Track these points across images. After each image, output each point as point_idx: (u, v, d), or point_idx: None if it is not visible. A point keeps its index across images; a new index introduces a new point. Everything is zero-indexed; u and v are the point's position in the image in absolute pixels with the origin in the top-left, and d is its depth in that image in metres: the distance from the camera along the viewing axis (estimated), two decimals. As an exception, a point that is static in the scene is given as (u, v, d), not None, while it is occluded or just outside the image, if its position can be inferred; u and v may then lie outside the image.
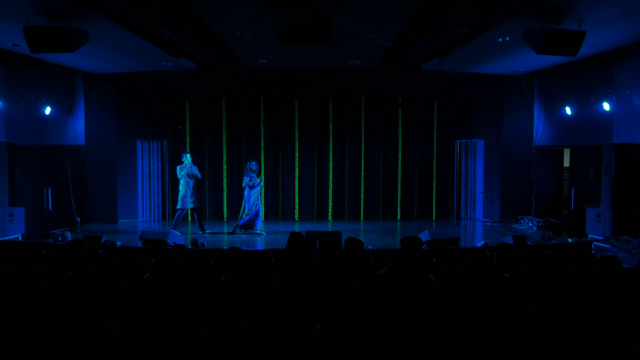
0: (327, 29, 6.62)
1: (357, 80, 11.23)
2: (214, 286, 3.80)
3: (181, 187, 9.47)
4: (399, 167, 11.71)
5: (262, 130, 11.46)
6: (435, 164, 11.70)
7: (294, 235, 4.85)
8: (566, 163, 11.19)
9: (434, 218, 11.70)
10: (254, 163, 9.40)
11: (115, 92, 10.87)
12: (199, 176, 9.55)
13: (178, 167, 9.55)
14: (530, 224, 10.09)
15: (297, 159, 11.52)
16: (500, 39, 7.63)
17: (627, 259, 6.00)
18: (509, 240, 7.11)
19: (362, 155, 11.61)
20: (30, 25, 6.39)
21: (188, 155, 9.53)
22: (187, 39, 8.07)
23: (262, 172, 11.18)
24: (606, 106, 9.02)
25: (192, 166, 9.42)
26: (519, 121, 11.07)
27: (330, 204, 11.63)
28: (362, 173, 11.63)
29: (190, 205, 9.46)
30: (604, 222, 8.39)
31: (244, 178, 9.32)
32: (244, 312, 2.73)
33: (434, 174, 11.72)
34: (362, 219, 11.58)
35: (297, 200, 11.53)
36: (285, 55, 9.28)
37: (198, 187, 9.60)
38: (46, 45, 6.40)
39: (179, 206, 9.55)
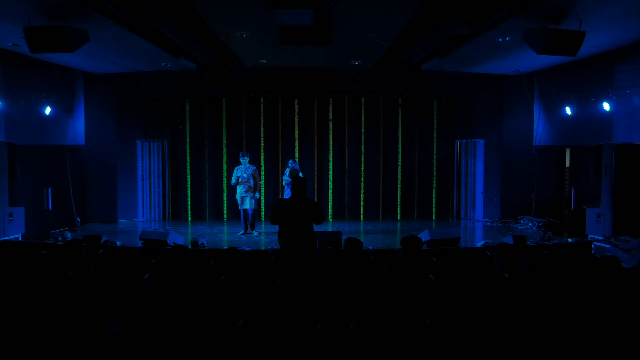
0: (327, 29, 6.62)
1: (357, 80, 11.23)
2: (214, 286, 3.80)
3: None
4: (399, 167, 11.70)
5: (262, 130, 11.45)
6: (435, 164, 11.69)
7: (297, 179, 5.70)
8: (567, 163, 11.19)
9: (434, 218, 11.69)
10: (290, 161, 9.65)
11: (115, 92, 10.87)
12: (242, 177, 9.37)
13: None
14: (530, 224, 10.09)
15: (296, 159, 11.52)
16: (500, 39, 7.63)
17: (627, 259, 6.00)
18: (509, 240, 7.11)
19: (362, 155, 11.60)
20: (30, 25, 6.38)
21: (240, 157, 9.44)
22: (187, 39, 8.07)
23: (262, 172, 11.19)
24: (606, 106, 9.01)
25: (247, 167, 9.35)
26: (519, 121, 11.07)
27: (330, 204, 11.63)
28: (362, 173, 11.63)
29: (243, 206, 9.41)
30: (604, 222, 8.39)
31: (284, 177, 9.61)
32: (244, 312, 2.73)
33: (434, 174, 11.71)
34: (362, 219, 11.58)
35: (297, 200, 11.52)
36: (285, 55, 9.28)
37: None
38: (46, 45, 6.40)
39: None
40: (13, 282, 3.51)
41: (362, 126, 11.57)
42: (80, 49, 6.65)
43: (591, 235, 8.56)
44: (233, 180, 9.39)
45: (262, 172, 11.20)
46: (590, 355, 2.51)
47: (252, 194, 9.34)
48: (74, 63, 9.62)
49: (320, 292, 3.58)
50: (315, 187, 11.56)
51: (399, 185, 11.74)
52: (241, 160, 9.38)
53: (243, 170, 9.33)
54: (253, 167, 9.48)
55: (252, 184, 9.31)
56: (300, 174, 9.62)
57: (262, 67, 10.35)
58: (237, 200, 9.44)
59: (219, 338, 2.53)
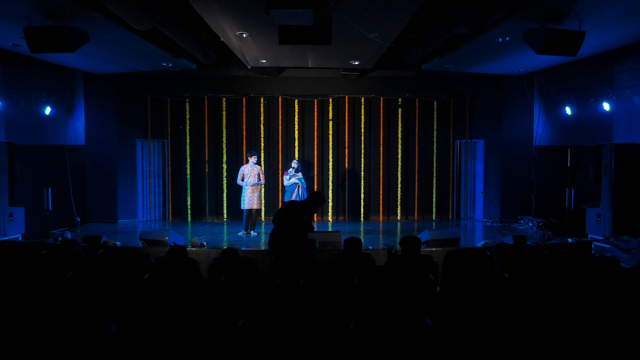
0: (327, 29, 6.61)
1: (357, 80, 11.24)
2: (213, 286, 3.80)
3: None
4: (399, 167, 11.71)
5: (262, 130, 11.47)
6: (435, 164, 11.70)
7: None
8: (567, 163, 11.16)
9: (434, 218, 11.70)
10: (293, 161, 9.68)
11: (116, 92, 10.88)
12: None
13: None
14: (530, 224, 10.08)
15: (297, 159, 11.52)
16: (500, 39, 7.63)
17: (627, 259, 5.99)
18: (509, 240, 7.11)
19: (362, 155, 11.61)
20: (30, 25, 6.38)
21: (248, 156, 9.51)
22: (187, 39, 8.07)
23: (264, 172, 11.19)
24: (606, 106, 9.01)
25: (252, 167, 9.37)
26: (519, 121, 11.07)
27: (330, 204, 11.63)
28: (362, 173, 11.64)
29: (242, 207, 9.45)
30: (604, 222, 8.38)
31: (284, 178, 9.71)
32: (244, 312, 2.73)
33: (434, 174, 11.72)
34: (362, 219, 11.58)
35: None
36: (285, 55, 9.27)
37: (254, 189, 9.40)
38: (46, 45, 6.39)
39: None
40: (13, 282, 3.51)
41: (362, 126, 11.58)
42: (80, 49, 6.64)
43: (591, 235, 8.55)
44: (239, 179, 9.40)
45: (263, 172, 11.20)
46: (590, 355, 2.51)
47: (258, 193, 9.35)
48: (74, 63, 9.62)
49: (320, 292, 3.58)
50: (316, 187, 11.56)
51: (399, 185, 11.74)
52: (249, 159, 9.38)
53: (249, 170, 9.32)
54: (259, 167, 9.49)
55: (258, 182, 9.35)
56: (301, 175, 9.64)
57: (262, 67, 10.35)
58: (240, 200, 9.42)
59: (218, 338, 2.53)
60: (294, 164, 9.59)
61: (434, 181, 11.73)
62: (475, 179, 11.62)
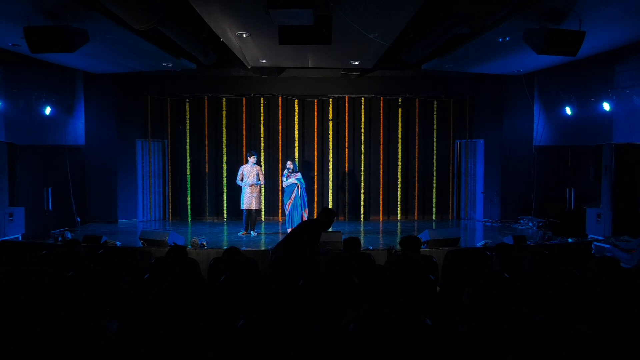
0: (327, 29, 6.61)
1: (357, 80, 11.24)
2: (213, 286, 3.79)
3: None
4: (399, 167, 11.71)
5: (262, 130, 11.47)
6: (435, 164, 11.70)
7: None
8: (567, 163, 11.16)
9: (434, 218, 11.70)
10: (288, 162, 9.60)
11: (116, 92, 10.88)
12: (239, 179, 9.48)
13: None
14: (530, 224, 10.08)
15: (296, 159, 11.53)
16: (500, 39, 7.63)
17: (627, 259, 5.99)
18: (509, 240, 7.11)
19: (362, 155, 11.61)
20: (30, 25, 6.39)
21: (248, 156, 9.51)
22: (187, 39, 8.07)
23: (263, 172, 11.19)
24: (606, 106, 9.02)
25: (252, 167, 9.36)
26: (519, 121, 11.07)
27: (330, 204, 11.62)
28: (362, 173, 11.64)
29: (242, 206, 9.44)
30: (604, 222, 8.39)
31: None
32: (244, 312, 2.73)
33: (434, 174, 11.72)
34: (362, 219, 11.58)
35: (297, 200, 11.52)
36: (285, 55, 9.27)
37: (254, 189, 9.35)
38: (46, 45, 6.40)
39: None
40: (13, 282, 3.51)
41: (362, 126, 11.58)
42: (80, 49, 6.64)
43: (591, 235, 8.55)
44: (238, 179, 9.40)
45: (263, 172, 11.20)
46: (590, 356, 2.51)
47: (257, 194, 9.35)
48: (74, 63, 9.62)
49: (320, 292, 3.58)
50: (316, 187, 11.57)
51: (399, 185, 11.74)
52: (249, 159, 9.37)
53: (248, 170, 9.32)
54: (259, 168, 9.50)
55: (257, 182, 9.34)
56: (300, 175, 9.63)
57: (262, 67, 10.35)
58: (240, 200, 9.42)
59: (218, 338, 2.53)
60: (290, 164, 9.56)
61: (434, 181, 11.73)
62: (475, 179, 11.63)
